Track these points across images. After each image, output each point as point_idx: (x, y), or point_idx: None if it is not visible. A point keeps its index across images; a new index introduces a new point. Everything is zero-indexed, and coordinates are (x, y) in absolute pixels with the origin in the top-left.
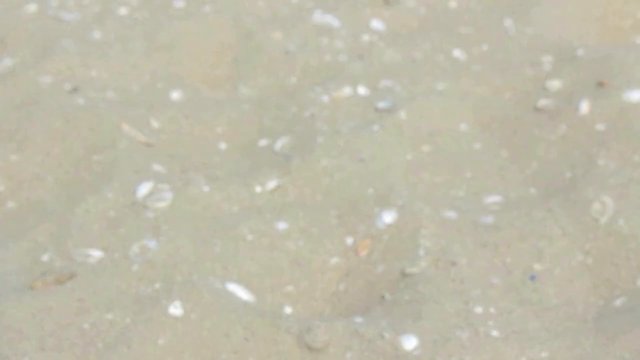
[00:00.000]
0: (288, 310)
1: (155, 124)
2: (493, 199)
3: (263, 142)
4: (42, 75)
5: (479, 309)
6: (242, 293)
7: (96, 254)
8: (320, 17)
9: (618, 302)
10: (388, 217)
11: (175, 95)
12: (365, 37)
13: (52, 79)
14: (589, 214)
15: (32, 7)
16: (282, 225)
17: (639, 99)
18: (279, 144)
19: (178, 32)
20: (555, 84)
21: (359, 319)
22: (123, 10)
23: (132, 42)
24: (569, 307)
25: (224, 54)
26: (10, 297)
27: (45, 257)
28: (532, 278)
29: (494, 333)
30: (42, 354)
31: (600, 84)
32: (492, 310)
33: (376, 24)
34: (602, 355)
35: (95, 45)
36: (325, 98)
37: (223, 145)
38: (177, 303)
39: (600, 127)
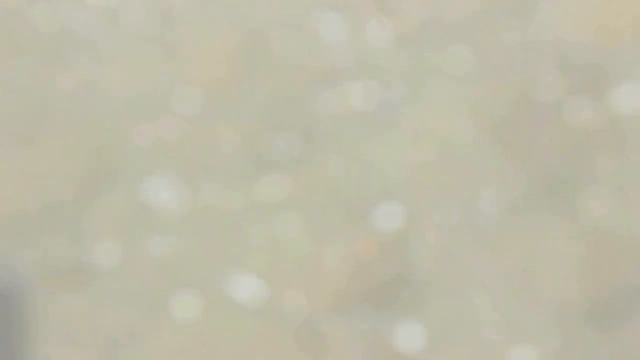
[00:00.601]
0: (290, 310)
1: (161, 125)
2: (492, 199)
3: (266, 143)
4: (50, 78)
5: (478, 309)
6: (245, 293)
7: (104, 254)
8: (323, 19)
9: (613, 299)
10: (389, 217)
11: (180, 97)
12: (367, 39)
13: (59, 81)
14: (586, 214)
15: (39, 11)
16: (284, 226)
17: (636, 101)
18: (281, 145)
19: (182, 35)
20: (553, 85)
21: (360, 320)
22: (129, 13)
23: (138, 45)
24: (565, 304)
25: (227, 55)
26: (22, 296)
27: (55, 258)
28: (530, 276)
29: (494, 332)
30: (53, 351)
31: (597, 85)
32: (491, 309)
33: (378, 26)
34: (596, 349)
35: (101, 47)
36: (328, 99)
37: (227, 146)
38: (183, 302)
39: (597, 128)
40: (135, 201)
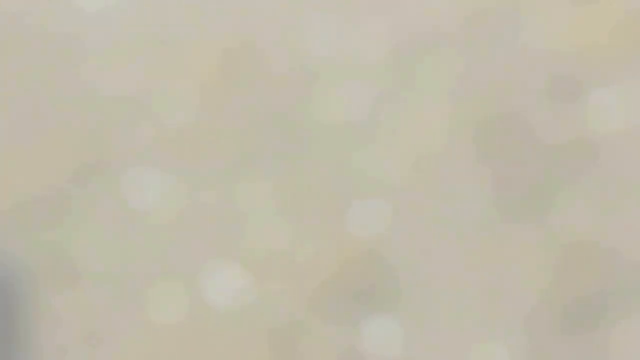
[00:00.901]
0: (269, 313)
1: (151, 128)
2: (470, 205)
3: (257, 147)
4: (47, 79)
5: (454, 311)
6: (225, 294)
7: (89, 253)
8: (315, 25)
9: (582, 305)
10: (377, 223)
11: (172, 100)
12: (362, 45)
13: (49, 81)
14: (559, 222)
15: (36, 11)
16: (271, 229)
17: (612, 112)
18: (268, 147)
19: (175, 36)
20: (534, 95)
21: (341, 324)
22: (121, 14)
23: (131, 45)
24: (538, 309)
25: (219, 58)
26: (14, 300)
27: (45, 262)
28: (504, 280)
29: (467, 334)
30: (41, 350)
31: (576, 96)
32: (466, 311)
33: (373, 32)
34: (566, 352)
35: (92, 48)
36: (320, 105)
37: (218, 149)
38: (163, 302)
39: (574, 138)
40: (122, 199)
